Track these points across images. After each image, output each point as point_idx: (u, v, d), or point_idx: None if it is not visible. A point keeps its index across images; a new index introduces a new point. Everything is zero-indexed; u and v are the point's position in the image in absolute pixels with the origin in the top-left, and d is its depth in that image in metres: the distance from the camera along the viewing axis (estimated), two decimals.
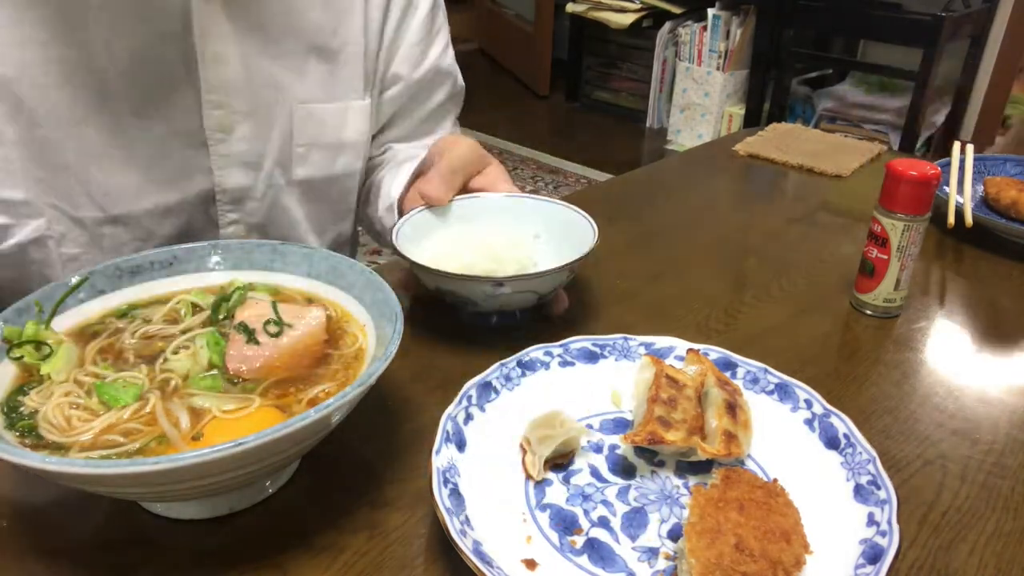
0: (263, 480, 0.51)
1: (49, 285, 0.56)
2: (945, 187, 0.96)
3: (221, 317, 0.57)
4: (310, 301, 0.60)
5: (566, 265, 0.65)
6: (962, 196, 0.95)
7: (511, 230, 0.76)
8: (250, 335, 0.54)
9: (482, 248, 0.73)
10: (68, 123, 0.69)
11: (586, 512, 0.50)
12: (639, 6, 3.81)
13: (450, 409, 0.54)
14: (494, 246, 0.74)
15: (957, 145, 1.03)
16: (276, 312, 0.56)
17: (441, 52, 0.93)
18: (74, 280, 0.57)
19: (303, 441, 0.47)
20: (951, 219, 0.91)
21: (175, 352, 0.54)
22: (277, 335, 0.55)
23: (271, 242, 0.63)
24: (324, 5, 0.80)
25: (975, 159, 1.02)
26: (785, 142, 1.22)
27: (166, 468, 0.39)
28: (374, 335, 0.55)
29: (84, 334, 0.56)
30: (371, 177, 0.97)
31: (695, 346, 0.62)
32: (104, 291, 0.59)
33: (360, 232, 1.03)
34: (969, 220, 0.90)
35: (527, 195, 0.78)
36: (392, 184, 0.85)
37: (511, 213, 0.76)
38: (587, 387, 0.60)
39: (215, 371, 0.53)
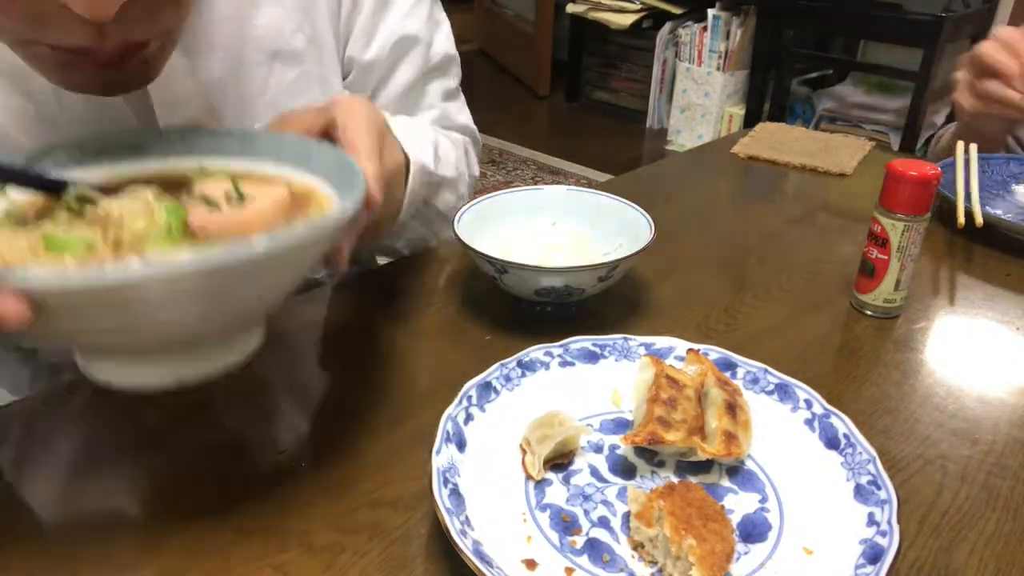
0: (226, 344, 0.49)
1: (5, 155, 0.53)
2: (952, 186, 0.96)
3: (181, 195, 0.52)
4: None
5: (600, 264, 0.67)
6: (969, 195, 0.94)
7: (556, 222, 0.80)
8: (212, 204, 0.50)
9: (544, 241, 0.77)
10: None
11: (586, 512, 0.50)
12: (639, 6, 3.81)
13: (450, 409, 0.54)
14: (556, 239, 0.78)
15: (960, 145, 1.03)
16: (236, 186, 0.52)
17: (398, 21, 0.81)
18: (34, 153, 0.54)
19: (314, 247, 0.45)
20: (961, 218, 0.90)
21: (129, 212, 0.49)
22: (239, 206, 0.51)
23: (241, 130, 0.60)
24: (278, 4, 0.72)
25: (979, 158, 1.02)
26: (779, 141, 1.22)
27: (123, 281, 0.37)
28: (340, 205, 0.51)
29: (34, 207, 0.52)
30: None
31: (695, 346, 0.62)
32: (66, 168, 0.55)
33: None
34: (979, 219, 0.90)
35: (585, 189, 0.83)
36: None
37: (574, 207, 0.80)
38: (587, 387, 0.60)
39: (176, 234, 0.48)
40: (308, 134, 0.60)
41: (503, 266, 0.67)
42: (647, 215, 0.75)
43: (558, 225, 0.80)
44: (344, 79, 0.81)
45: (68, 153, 0.56)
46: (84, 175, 0.54)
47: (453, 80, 0.88)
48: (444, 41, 0.85)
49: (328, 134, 0.59)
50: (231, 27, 0.70)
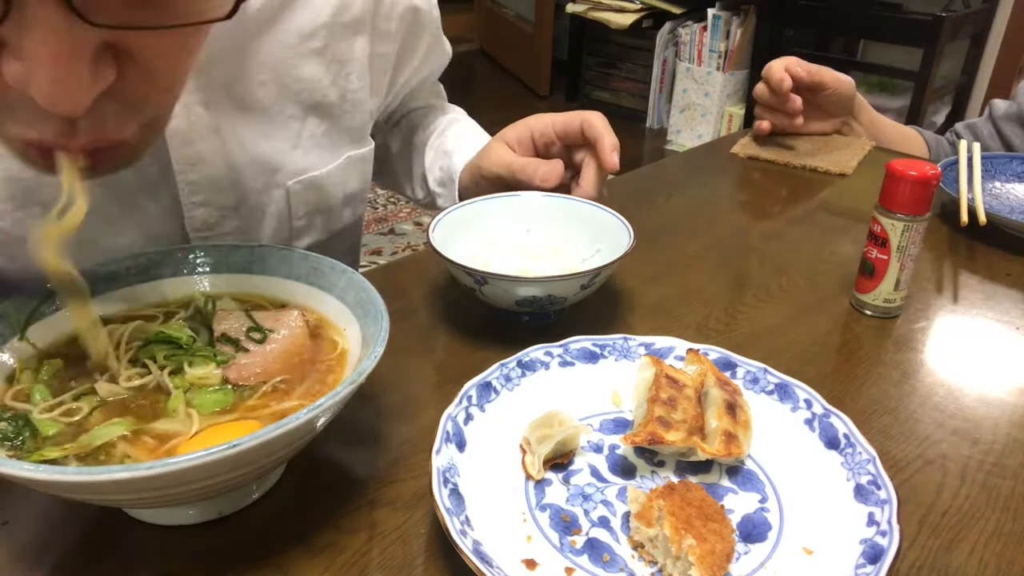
0: (250, 484, 0.51)
1: (23, 294, 0.54)
2: (955, 184, 0.96)
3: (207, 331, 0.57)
4: (283, 306, 0.60)
5: (582, 272, 0.65)
6: (972, 194, 0.94)
7: (551, 231, 0.78)
8: (236, 345, 0.54)
9: (520, 248, 0.76)
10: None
11: (586, 512, 0.50)
12: (639, 6, 3.81)
13: (450, 409, 0.54)
14: (531, 246, 0.76)
15: (963, 144, 1.03)
16: (253, 320, 0.56)
17: (442, 53, 0.91)
18: (48, 287, 0.55)
19: (294, 443, 0.47)
20: (964, 217, 0.90)
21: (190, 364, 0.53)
22: (262, 341, 0.55)
23: (249, 243, 0.62)
24: (319, 56, 0.71)
25: (981, 157, 1.02)
26: (779, 142, 1.22)
27: (159, 473, 0.39)
28: (358, 335, 0.55)
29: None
30: (415, 138, 0.95)
31: (695, 346, 0.62)
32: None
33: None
34: (983, 218, 0.90)
35: (571, 197, 0.79)
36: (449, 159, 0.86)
37: (549, 213, 0.78)
38: (587, 387, 0.60)
39: (228, 386, 0.53)
40: (563, 126, 0.76)
41: (483, 277, 0.65)
42: (624, 219, 0.73)
43: (533, 232, 0.78)
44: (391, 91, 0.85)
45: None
46: (99, 301, 0.56)
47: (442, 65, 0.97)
48: (446, 41, 0.93)
49: (574, 130, 0.76)
50: (273, 83, 0.69)
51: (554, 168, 0.76)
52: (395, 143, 0.96)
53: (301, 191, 0.74)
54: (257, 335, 0.55)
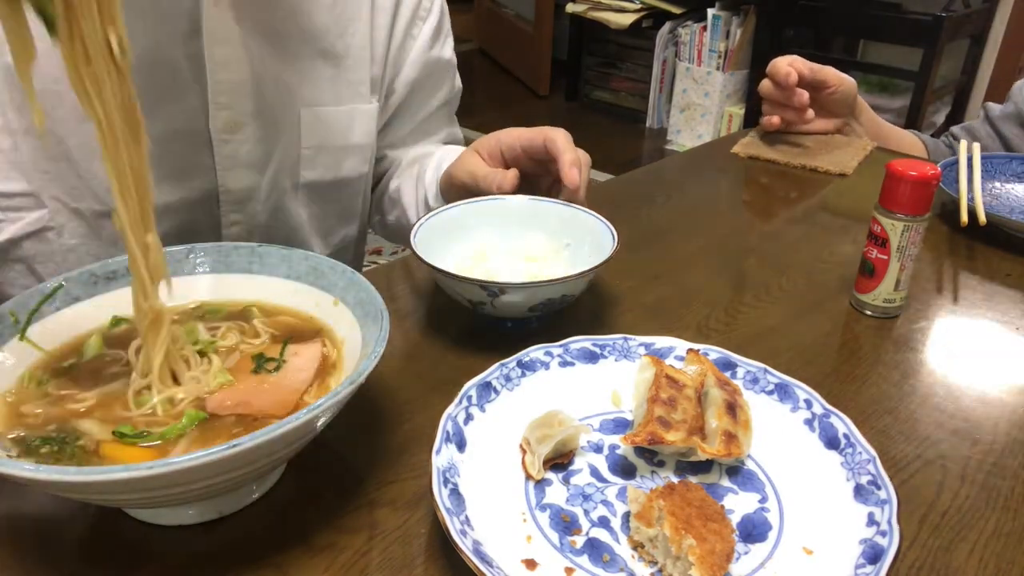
0: (250, 484, 0.51)
1: (23, 294, 0.55)
2: (955, 184, 0.96)
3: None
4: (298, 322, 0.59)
5: (566, 278, 0.64)
6: (972, 194, 0.95)
7: (538, 236, 0.78)
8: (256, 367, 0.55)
9: (510, 254, 0.76)
10: (73, 118, 0.70)
11: (586, 512, 0.50)
12: (639, 6, 3.81)
13: (450, 409, 0.54)
14: (520, 252, 0.76)
15: (963, 144, 1.03)
16: (281, 350, 0.56)
17: (442, 47, 0.95)
18: (48, 287, 0.56)
19: (294, 443, 0.47)
20: (964, 217, 0.90)
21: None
22: (276, 370, 0.55)
23: (249, 244, 0.62)
24: (330, 9, 0.80)
25: (981, 158, 1.02)
26: (779, 141, 1.22)
27: (159, 473, 0.39)
28: (358, 335, 0.55)
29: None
30: (380, 187, 1.00)
31: (695, 346, 0.62)
32: (79, 298, 0.57)
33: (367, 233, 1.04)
34: (983, 218, 0.90)
35: (551, 200, 0.79)
36: (425, 184, 0.89)
37: (536, 218, 0.78)
38: (587, 387, 0.60)
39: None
40: (527, 141, 0.77)
41: (500, 288, 0.63)
42: (595, 214, 0.74)
43: (494, 240, 0.77)
44: (390, 97, 0.91)
45: (80, 280, 0.58)
46: (99, 300, 0.58)
47: (453, 109, 1.04)
48: (458, 77, 1.01)
49: (537, 146, 0.77)
50: (292, 19, 0.78)
51: (506, 177, 0.78)
52: (404, 182, 0.97)
53: (311, 121, 0.82)
54: (271, 366, 0.55)
